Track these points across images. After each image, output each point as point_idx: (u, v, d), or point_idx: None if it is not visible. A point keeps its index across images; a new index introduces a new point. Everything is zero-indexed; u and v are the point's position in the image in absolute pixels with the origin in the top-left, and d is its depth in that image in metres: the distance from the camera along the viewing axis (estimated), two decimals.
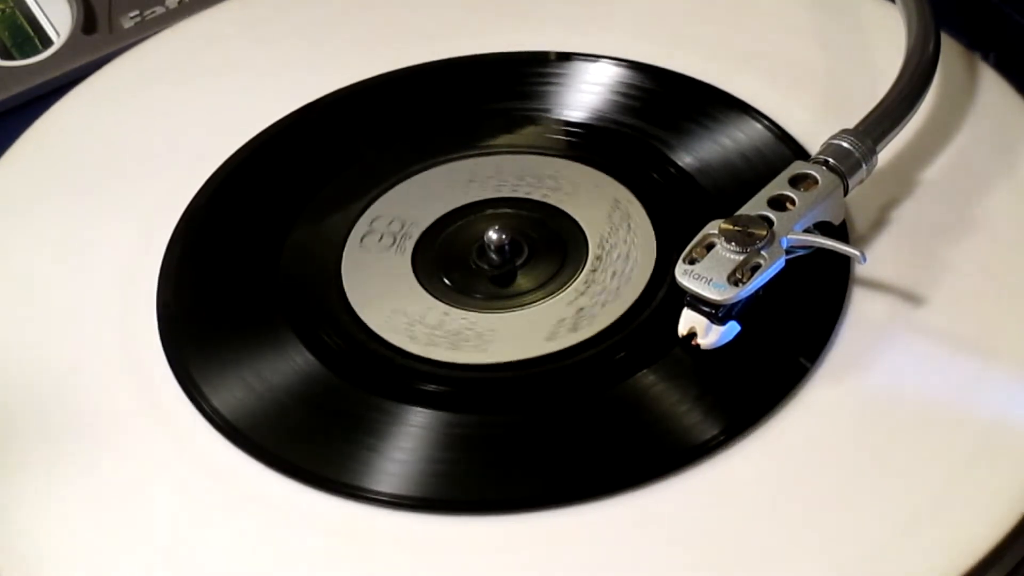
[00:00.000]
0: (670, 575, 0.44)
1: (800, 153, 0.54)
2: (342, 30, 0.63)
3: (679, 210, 0.53)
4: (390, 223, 0.54)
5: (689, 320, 0.48)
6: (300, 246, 0.54)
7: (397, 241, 0.54)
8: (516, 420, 0.48)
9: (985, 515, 0.44)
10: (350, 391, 0.49)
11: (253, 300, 0.53)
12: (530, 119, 0.58)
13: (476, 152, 0.57)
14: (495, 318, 0.51)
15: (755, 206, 0.49)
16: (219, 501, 0.46)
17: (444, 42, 0.61)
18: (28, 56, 0.64)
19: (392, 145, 0.58)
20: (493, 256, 0.52)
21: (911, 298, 0.49)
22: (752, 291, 0.47)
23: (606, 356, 0.49)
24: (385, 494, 0.46)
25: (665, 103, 0.58)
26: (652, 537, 0.44)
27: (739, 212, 0.48)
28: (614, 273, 0.51)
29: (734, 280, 0.47)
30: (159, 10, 0.66)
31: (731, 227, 0.48)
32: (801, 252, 0.49)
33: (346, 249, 0.54)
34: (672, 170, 0.55)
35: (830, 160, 0.50)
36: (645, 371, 0.48)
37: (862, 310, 0.49)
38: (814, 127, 0.54)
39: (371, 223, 0.54)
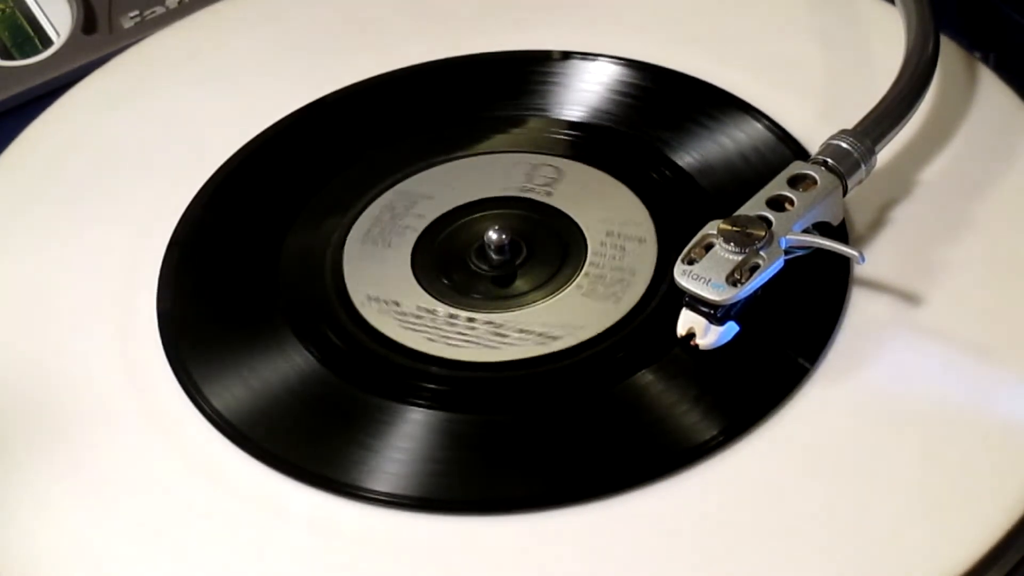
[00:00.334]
0: (670, 575, 0.44)
1: (799, 153, 0.54)
2: (342, 30, 0.63)
3: (679, 210, 0.53)
4: (390, 223, 0.54)
5: (688, 320, 0.48)
6: (300, 246, 0.54)
7: (397, 241, 0.54)
8: (515, 420, 0.48)
9: (985, 514, 0.44)
10: (349, 391, 0.49)
11: (253, 300, 0.53)
12: (530, 119, 0.58)
13: (476, 152, 0.57)
14: (494, 318, 0.51)
15: (754, 206, 0.49)
16: (219, 501, 0.46)
17: (444, 42, 0.61)
18: (28, 56, 0.64)
19: (392, 145, 0.58)
20: (493, 256, 0.52)
21: (910, 298, 0.49)
22: (751, 291, 0.47)
23: (606, 356, 0.49)
24: (384, 494, 0.46)
25: (665, 103, 0.58)
26: (652, 537, 0.44)
27: (738, 212, 0.48)
28: (614, 273, 0.51)
29: (733, 280, 0.47)
30: (159, 10, 0.66)
31: (730, 227, 0.48)
32: (800, 252, 0.49)
33: (346, 249, 0.54)
34: (672, 170, 0.55)
35: (829, 160, 0.50)
36: (645, 371, 0.48)
37: (862, 310, 0.49)
38: (814, 127, 0.54)
39: (371, 223, 0.54)
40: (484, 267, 0.53)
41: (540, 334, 0.50)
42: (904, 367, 0.48)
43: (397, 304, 0.52)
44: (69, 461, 0.48)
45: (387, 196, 0.55)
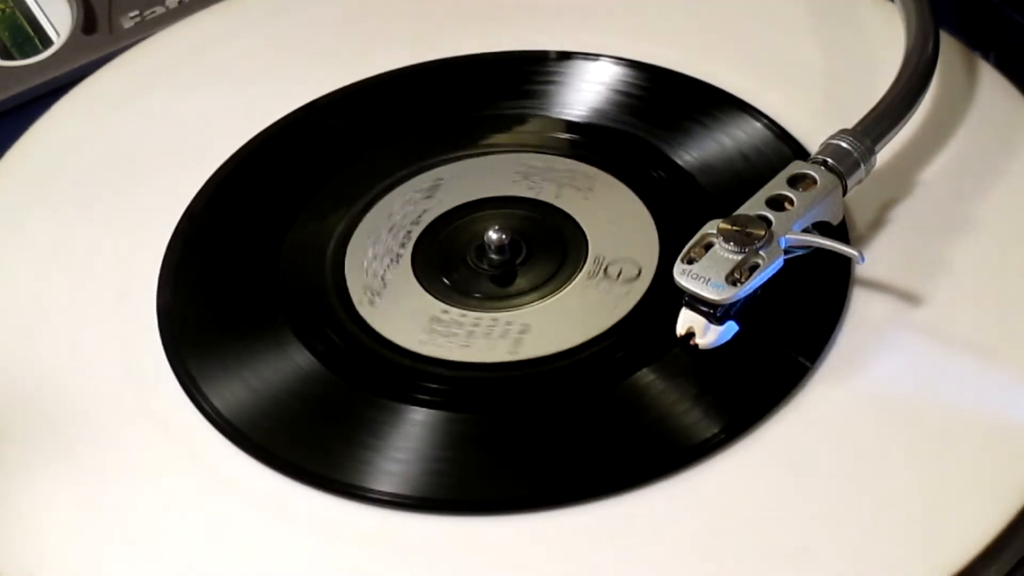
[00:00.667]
0: (670, 575, 0.44)
1: (799, 153, 0.54)
2: (342, 30, 0.63)
3: (679, 209, 0.53)
4: (389, 223, 0.54)
5: (687, 320, 0.48)
6: (300, 246, 0.54)
7: (397, 241, 0.54)
8: (516, 419, 0.48)
9: (984, 514, 0.44)
10: (350, 391, 0.49)
11: (253, 300, 0.53)
12: (530, 119, 0.58)
13: (476, 152, 0.57)
14: (495, 318, 0.51)
15: (753, 206, 0.49)
16: (219, 501, 0.46)
17: (444, 42, 0.61)
18: (28, 56, 0.64)
19: (392, 145, 0.58)
20: (493, 256, 0.52)
21: (911, 298, 0.49)
22: (750, 291, 0.47)
23: (606, 355, 0.49)
24: (385, 493, 0.46)
25: (665, 102, 0.58)
26: (652, 537, 0.44)
27: (737, 212, 0.48)
28: (613, 272, 0.51)
29: (732, 280, 0.47)
30: (159, 10, 0.66)
31: (729, 227, 0.48)
32: (800, 252, 0.49)
33: (346, 249, 0.54)
34: (672, 169, 0.55)
35: (829, 160, 0.50)
36: (645, 370, 0.48)
37: (862, 310, 0.49)
38: (814, 127, 0.54)
39: (370, 223, 0.54)
40: (484, 267, 0.53)
41: (540, 334, 0.50)
42: (904, 366, 0.48)
43: (398, 304, 0.51)
44: (69, 462, 0.48)
45: (387, 196, 0.55)
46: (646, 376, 0.48)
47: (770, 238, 0.47)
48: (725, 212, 0.48)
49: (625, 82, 0.58)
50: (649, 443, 0.47)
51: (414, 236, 0.54)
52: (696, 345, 0.48)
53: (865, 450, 0.46)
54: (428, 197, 0.55)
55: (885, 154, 0.52)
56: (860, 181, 0.50)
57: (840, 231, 0.51)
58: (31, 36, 0.65)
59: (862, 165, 0.50)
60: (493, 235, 0.52)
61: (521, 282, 0.52)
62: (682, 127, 0.56)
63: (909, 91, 0.52)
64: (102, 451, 0.48)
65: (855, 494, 0.45)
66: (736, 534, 0.44)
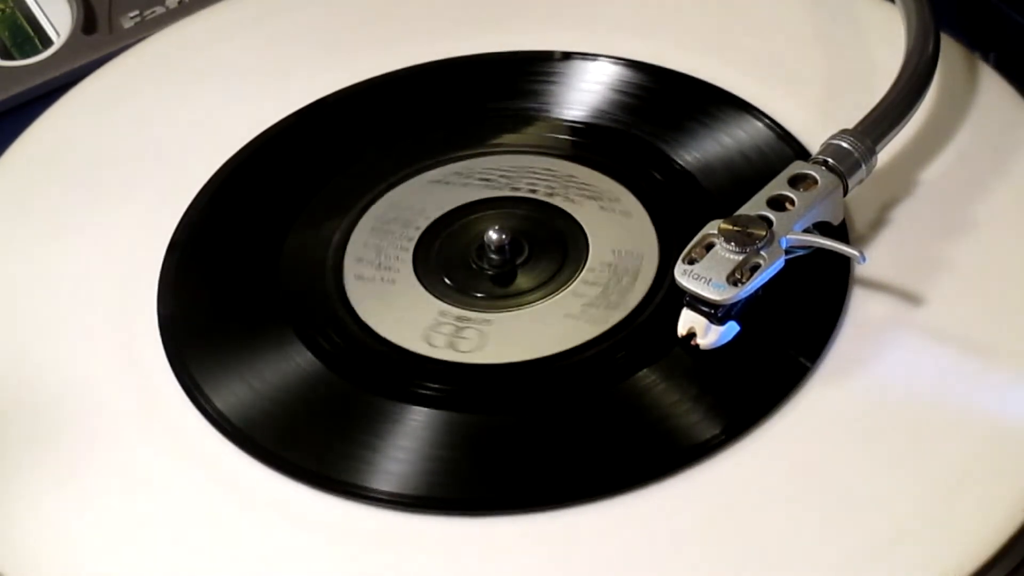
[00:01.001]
0: (670, 575, 0.44)
1: (800, 153, 0.54)
2: (342, 30, 0.63)
3: (679, 210, 0.53)
4: (390, 223, 0.54)
5: (688, 320, 0.48)
6: (300, 246, 0.54)
7: (397, 241, 0.54)
8: (516, 420, 0.48)
9: (984, 515, 0.44)
10: (350, 391, 0.49)
11: (253, 300, 0.53)
12: (531, 119, 0.58)
13: (477, 152, 0.57)
14: (495, 318, 0.51)
15: (754, 206, 0.49)
16: (219, 501, 0.47)
17: (444, 42, 0.61)
18: (28, 56, 0.64)
19: (393, 145, 0.58)
20: (493, 256, 0.52)
21: (911, 298, 0.49)
22: (751, 291, 0.47)
23: (606, 356, 0.49)
24: (385, 493, 0.46)
25: (665, 102, 0.58)
26: (652, 537, 0.44)
27: (738, 212, 0.48)
28: (614, 272, 0.51)
29: (733, 280, 0.47)
30: (159, 10, 0.66)
31: (730, 227, 0.48)
32: (800, 252, 0.49)
33: (346, 249, 0.54)
34: (672, 170, 0.55)
35: (829, 160, 0.50)
36: (645, 371, 0.48)
37: (862, 310, 0.49)
38: (814, 127, 0.54)
39: (371, 223, 0.54)
40: (485, 267, 0.53)
41: (540, 334, 0.50)
42: (904, 366, 0.48)
43: (398, 304, 0.51)
44: (69, 462, 0.48)
45: (387, 196, 0.55)
46: (647, 376, 0.48)
47: (771, 238, 0.47)
48: (726, 212, 0.48)
49: (625, 82, 0.58)
50: (649, 443, 0.47)
51: (415, 236, 0.54)
52: (697, 345, 0.48)
53: (865, 450, 0.46)
54: (428, 198, 0.55)
55: (885, 154, 0.52)
56: (861, 181, 0.50)
57: (840, 231, 0.51)
58: (31, 36, 0.65)
59: (863, 165, 0.50)
60: (493, 235, 0.52)
61: (522, 282, 0.52)
62: (682, 127, 0.56)
63: (909, 91, 0.52)
64: (103, 451, 0.48)
65: (855, 494, 0.45)
66: (736, 534, 0.44)
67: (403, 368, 0.49)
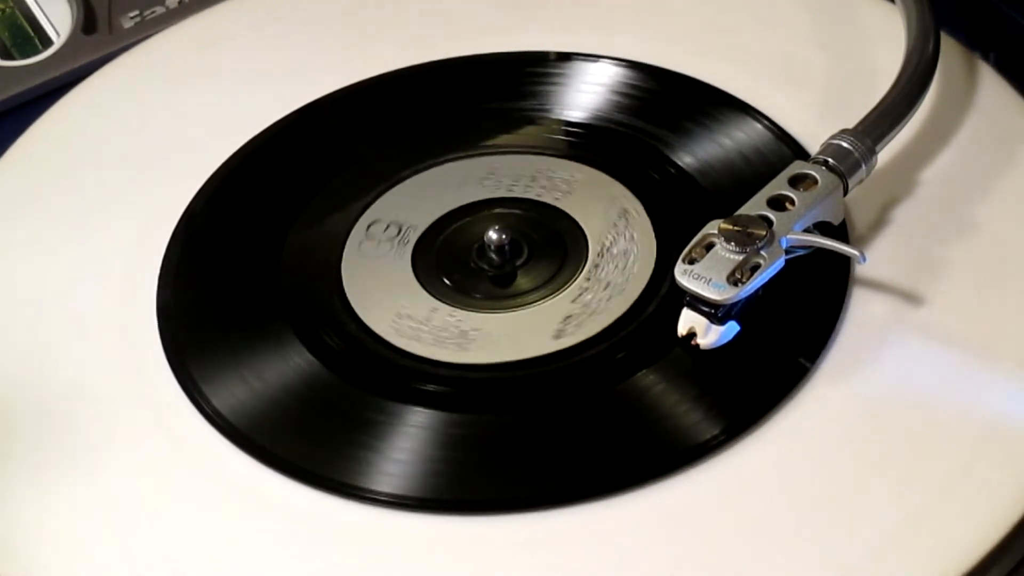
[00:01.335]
0: (670, 575, 0.44)
1: (800, 153, 0.54)
2: (342, 30, 0.63)
3: (679, 210, 0.53)
4: (390, 223, 0.54)
5: (688, 320, 0.48)
6: (300, 246, 0.54)
7: (397, 241, 0.54)
8: (516, 420, 0.48)
9: (985, 515, 0.44)
10: (350, 391, 0.49)
11: (253, 300, 0.53)
12: (530, 119, 0.58)
13: (476, 152, 0.57)
14: (495, 318, 0.51)
15: (754, 206, 0.49)
16: (219, 501, 0.46)
17: (444, 42, 0.61)
18: (28, 56, 0.64)
19: (392, 145, 0.58)
20: (493, 256, 0.52)
21: (911, 298, 0.49)
22: (751, 291, 0.47)
23: (606, 356, 0.49)
24: (385, 494, 0.46)
25: (665, 103, 0.58)
26: (652, 537, 0.44)
27: (738, 212, 0.48)
28: (614, 273, 0.51)
29: (733, 280, 0.47)
30: (159, 10, 0.66)
31: (731, 227, 0.48)
32: (801, 252, 0.49)
33: (346, 249, 0.54)
34: (672, 170, 0.55)
35: (830, 160, 0.50)
36: (645, 371, 0.48)
37: (862, 310, 0.49)
38: (814, 127, 0.54)
39: (371, 223, 0.54)
40: (485, 267, 0.53)
41: (540, 334, 0.50)
42: (904, 367, 0.48)
43: (398, 304, 0.51)
44: (69, 462, 0.48)
45: (387, 196, 0.55)
46: (646, 377, 0.48)
47: (771, 238, 0.47)
48: (726, 212, 0.48)
49: (625, 82, 0.58)
50: (649, 444, 0.47)
51: (414, 236, 0.54)
52: (697, 345, 0.48)
53: (865, 450, 0.46)
54: (428, 198, 0.55)
55: (885, 154, 0.52)
56: (861, 181, 0.50)
57: (840, 231, 0.51)
58: (31, 36, 0.65)
59: (863, 165, 0.50)
60: (493, 235, 0.52)
61: (521, 282, 0.52)
62: (682, 127, 0.56)
63: (909, 91, 0.52)
64: (101, 451, 0.48)
65: (855, 494, 0.45)
66: (736, 534, 0.44)
67: (402, 368, 0.49)
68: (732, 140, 0.55)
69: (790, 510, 0.45)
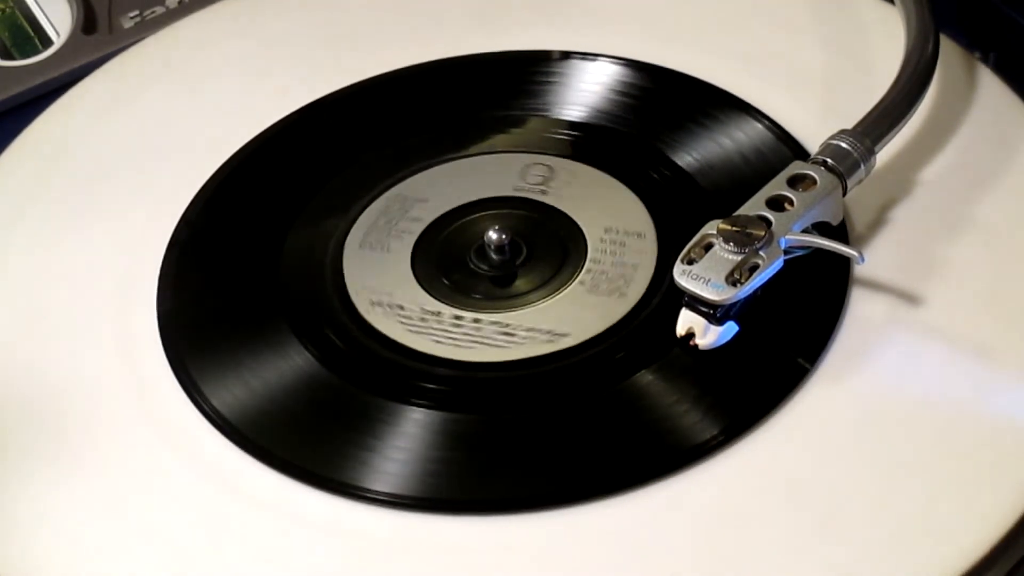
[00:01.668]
0: (670, 574, 0.44)
1: (799, 153, 0.54)
2: (342, 30, 0.63)
3: (679, 210, 0.53)
4: (390, 223, 0.54)
5: (687, 320, 0.48)
6: (300, 246, 0.54)
7: (397, 241, 0.54)
8: (516, 420, 0.48)
9: (984, 515, 0.44)
10: (349, 391, 0.49)
11: (253, 300, 0.53)
12: (530, 119, 0.58)
13: (476, 152, 0.57)
14: (494, 318, 0.51)
15: (753, 206, 0.49)
16: (218, 501, 0.46)
17: (444, 42, 0.61)
18: (28, 56, 0.64)
19: (392, 145, 0.58)
20: (493, 256, 0.53)
21: (910, 298, 0.49)
22: (750, 291, 0.47)
23: (606, 356, 0.49)
24: (384, 493, 0.46)
25: (665, 103, 0.58)
26: (652, 537, 0.44)
27: (737, 212, 0.48)
28: (613, 273, 0.51)
29: (732, 280, 0.47)
30: (159, 10, 0.66)
31: (729, 227, 0.48)
32: (800, 252, 0.49)
33: (346, 249, 0.54)
34: (672, 170, 0.55)
35: (828, 160, 0.50)
36: (645, 371, 0.48)
37: (861, 310, 0.49)
38: (814, 127, 0.54)
39: (371, 223, 0.54)
40: (484, 267, 0.53)
41: (540, 334, 0.50)
42: (904, 366, 0.48)
43: (397, 304, 0.52)
44: (68, 462, 0.48)
45: (387, 196, 0.55)
46: (646, 377, 0.48)
47: (770, 238, 0.47)
48: (725, 212, 0.48)
49: (625, 82, 0.58)
50: (649, 444, 0.47)
51: (414, 237, 0.54)
52: (696, 346, 0.48)
53: (864, 450, 0.46)
54: (427, 198, 0.55)
55: (884, 154, 0.52)
56: (860, 181, 0.50)
57: (840, 231, 0.51)
58: (31, 36, 0.65)
59: (862, 165, 0.50)
60: (493, 235, 0.52)
61: (521, 283, 0.52)
62: (682, 127, 0.56)
63: (909, 91, 0.52)
64: (101, 451, 0.48)
65: (855, 495, 0.45)
66: (736, 534, 0.44)
67: (402, 368, 0.49)
68: (732, 140, 0.55)
69: (790, 510, 0.45)
